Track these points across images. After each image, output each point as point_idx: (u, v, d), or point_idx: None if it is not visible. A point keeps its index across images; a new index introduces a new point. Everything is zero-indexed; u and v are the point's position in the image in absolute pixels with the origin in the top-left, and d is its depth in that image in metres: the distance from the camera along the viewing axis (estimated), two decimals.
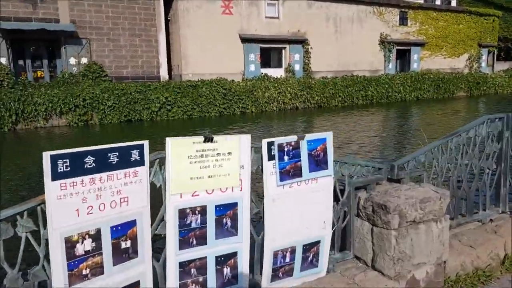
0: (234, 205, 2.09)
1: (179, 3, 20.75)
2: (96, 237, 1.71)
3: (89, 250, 1.69)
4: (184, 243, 1.97)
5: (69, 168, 1.62)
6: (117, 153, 1.76)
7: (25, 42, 18.17)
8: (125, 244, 1.80)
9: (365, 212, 2.52)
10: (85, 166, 1.67)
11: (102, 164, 1.72)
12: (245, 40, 22.96)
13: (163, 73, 20.98)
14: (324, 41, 25.70)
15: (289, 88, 21.99)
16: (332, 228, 2.47)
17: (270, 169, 2.16)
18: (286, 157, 2.19)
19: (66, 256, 1.63)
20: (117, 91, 17.05)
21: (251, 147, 2.16)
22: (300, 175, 2.24)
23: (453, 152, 3.13)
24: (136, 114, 17.34)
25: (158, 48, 20.76)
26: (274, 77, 23.10)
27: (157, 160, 1.93)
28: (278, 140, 2.17)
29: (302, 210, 2.28)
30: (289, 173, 2.20)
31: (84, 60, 18.94)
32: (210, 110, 18.98)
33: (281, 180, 2.18)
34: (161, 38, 20.77)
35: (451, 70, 30.90)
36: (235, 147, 2.07)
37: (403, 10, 28.93)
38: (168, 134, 13.93)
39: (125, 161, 1.79)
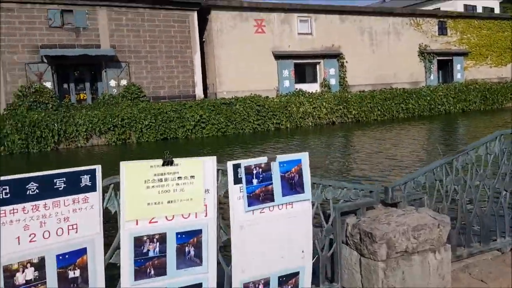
0: (198, 232, 1.97)
1: (212, 24, 21.30)
2: (40, 265, 1.65)
3: (31, 280, 1.63)
4: (140, 273, 1.86)
5: (9, 195, 1.59)
6: (64, 179, 1.70)
7: (69, 67, 19.34)
8: (74, 274, 1.73)
9: (353, 240, 2.31)
10: (28, 193, 1.63)
11: (47, 190, 1.67)
12: (278, 56, 23.06)
13: (199, 92, 21.45)
14: (360, 54, 25.24)
15: (324, 103, 21.68)
16: (314, 257, 2.25)
17: (237, 193, 2.03)
18: (255, 180, 2.04)
19: (5, 285, 1.58)
20: (154, 111, 17.59)
21: (218, 169, 2.04)
22: (272, 199, 2.08)
23: (460, 172, 2.82)
24: (171, 132, 17.76)
25: (194, 69, 21.30)
26: (309, 92, 22.92)
27: (112, 185, 1.86)
28: (245, 162, 2.04)
29: (276, 238, 2.10)
30: (259, 197, 2.05)
31: (123, 82, 19.79)
32: (244, 127, 19.07)
33: (250, 205, 2.03)
34: (196, 59, 21.32)
35: (498, 80, 29.17)
36: (198, 170, 1.96)
37: (441, 20, 27.88)
38: (201, 150, 14.16)
39: (74, 187, 1.73)
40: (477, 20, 29.38)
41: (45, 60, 18.04)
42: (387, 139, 15.37)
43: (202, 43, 22.52)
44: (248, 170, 2.03)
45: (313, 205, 2.24)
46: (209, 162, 1.99)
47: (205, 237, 1.98)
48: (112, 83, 19.68)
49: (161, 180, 1.89)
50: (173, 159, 1.92)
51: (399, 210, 2.43)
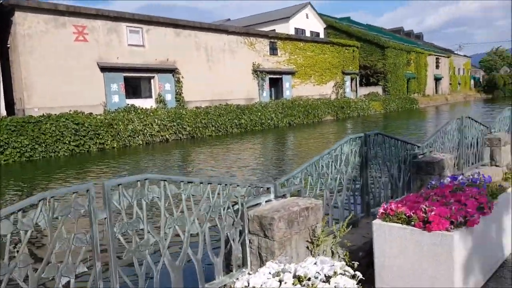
0: None
1: (17, 28, 18.05)
2: None
3: None
4: None
5: None
6: None
7: None
8: None
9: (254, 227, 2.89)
10: None
11: None
12: (104, 69, 21.03)
13: (1, 109, 17.84)
14: (197, 70, 25.07)
15: (156, 120, 20.61)
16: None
17: None
18: None
19: None
20: None
21: None
22: None
23: (324, 168, 3.65)
24: None
25: None
26: (143, 108, 21.53)
27: None
28: None
29: None
30: None
31: None
32: (57, 149, 16.52)
33: None
34: None
35: (320, 96, 32.89)
36: None
37: (272, 40, 30.01)
38: None
39: None
40: (302, 42, 32.64)
41: None
42: (223, 152, 15.25)
43: (7, 49, 18.95)
44: None
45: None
46: None
47: None
48: None
49: None
50: None
51: (285, 200, 3.16)
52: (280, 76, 30.69)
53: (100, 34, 21.03)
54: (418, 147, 5.12)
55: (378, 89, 41.13)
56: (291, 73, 31.42)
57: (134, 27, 22.48)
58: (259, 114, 25.44)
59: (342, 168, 3.83)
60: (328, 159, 3.67)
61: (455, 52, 70.93)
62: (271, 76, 29.85)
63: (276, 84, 30.87)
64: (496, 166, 6.39)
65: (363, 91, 39.81)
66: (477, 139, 6.62)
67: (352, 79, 38.02)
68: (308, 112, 28.68)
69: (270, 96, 30.17)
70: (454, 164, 5.53)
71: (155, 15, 23.83)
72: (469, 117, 6.40)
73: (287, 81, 31.09)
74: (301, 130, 24.16)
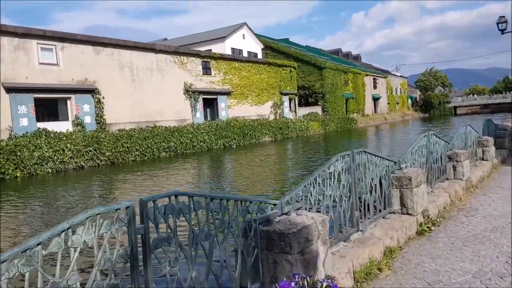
0: None
1: None
2: None
3: None
4: None
5: None
6: None
7: None
8: None
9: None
10: None
11: None
12: (10, 90, 18.87)
13: None
14: (120, 91, 23.42)
15: (69, 145, 18.63)
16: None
17: None
18: None
19: None
20: None
21: None
22: None
23: (321, 185, 3.67)
24: None
25: None
26: (56, 131, 19.47)
27: None
28: None
29: None
30: None
31: None
32: None
33: None
34: None
35: (258, 117, 32.24)
36: None
37: (205, 60, 29.10)
38: None
39: None
40: (237, 62, 32.03)
41: None
42: (128, 182, 13.64)
43: None
44: None
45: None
46: None
47: None
48: None
49: None
50: None
51: (291, 216, 3.10)
52: (215, 96, 29.72)
53: (6, 52, 18.93)
54: (395, 162, 5.31)
55: (318, 109, 41.41)
56: (227, 93, 30.57)
57: (47, 44, 20.58)
58: (191, 136, 24.11)
59: (336, 185, 3.89)
60: (324, 176, 3.73)
61: (392, 73, 74.41)
62: (205, 96, 28.79)
63: (211, 104, 29.83)
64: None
65: (303, 111, 39.84)
66: (441, 154, 7.14)
67: (290, 99, 37.93)
68: (245, 133, 27.79)
69: (205, 117, 29.03)
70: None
71: (70, 32, 22.09)
72: (434, 134, 6.87)
73: (222, 102, 30.17)
74: (237, 153, 23.07)
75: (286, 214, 3.16)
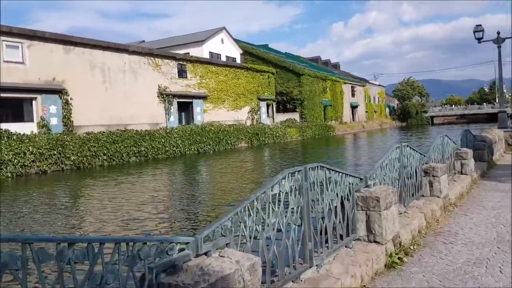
0: None
1: None
2: None
3: None
4: None
5: None
6: None
7: None
8: None
9: None
10: None
11: None
12: None
13: None
14: (90, 92, 22.58)
15: (31, 148, 17.73)
16: None
17: None
18: None
19: None
20: None
21: None
22: None
23: (260, 212, 2.89)
24: None
25: None
26: (19, 133, 18.54)
27: None
28: None
29: None
30: None
31: None
32: None
33: None
34: None
35: (235, 122, 31.80)
36: None
37: (181, 63, 28.53)
38: None
39: None
40: (214, 66, 31.56)
41: None
42: (110, 188, 12.93)
43: None
44: None
45: None
46: None
47: None
48: None
49: None
50: None
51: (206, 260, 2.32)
52: (191, 100, 29.14)
53: None
54: (361, 179, 4.46)
55: (296, 116, 41.31)
56: (203, 97, 30.04)
57: (12, 41, 19.66)
58: (163, 140, 23.45)
59: (282, 210, 3.11)
60: (265, 199, 2.93)
61: (371, 82, 75.39)
62: (180, 100, 28.17)
63: (186, 108, 29.22)
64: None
65: (281, 117, 39.64)
66: (415, 168, 6.40)
67: (268, 105, 37.68)
68: (220, 138, 27.29)
69: (180, 121, 28.39)
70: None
71: (39, 30, 21.19)
72: (408, 145, 6.15)
73: (198, 106, 29.61)
74: (211, 158, 22.53)
75: (205, 254, 2.43)
